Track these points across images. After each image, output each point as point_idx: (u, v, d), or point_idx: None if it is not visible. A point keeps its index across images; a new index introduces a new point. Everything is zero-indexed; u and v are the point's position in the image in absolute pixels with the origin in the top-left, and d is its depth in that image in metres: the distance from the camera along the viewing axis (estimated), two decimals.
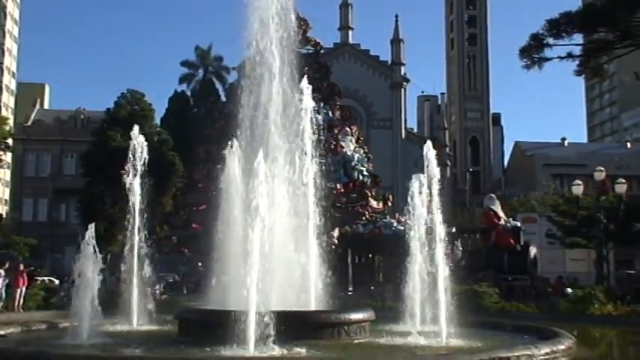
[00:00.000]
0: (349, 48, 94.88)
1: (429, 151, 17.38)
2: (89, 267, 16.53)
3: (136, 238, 20.07)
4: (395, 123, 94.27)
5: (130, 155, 20.34)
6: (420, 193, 16.61)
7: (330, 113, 51.28)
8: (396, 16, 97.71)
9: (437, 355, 12.87)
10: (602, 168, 36.40)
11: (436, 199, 16.47)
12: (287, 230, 16.82)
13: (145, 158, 20.40)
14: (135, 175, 20.18)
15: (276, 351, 12.78)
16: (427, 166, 16.87)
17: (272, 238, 15.01)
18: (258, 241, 13.79)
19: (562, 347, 13.78)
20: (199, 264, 38.05)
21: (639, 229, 42.95)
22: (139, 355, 13.15)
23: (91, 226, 16.85)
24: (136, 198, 20.12)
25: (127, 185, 20.06)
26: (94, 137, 65.16)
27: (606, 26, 34.24)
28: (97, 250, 16.63)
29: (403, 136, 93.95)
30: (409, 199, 16.86)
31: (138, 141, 20.56)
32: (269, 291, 14.44)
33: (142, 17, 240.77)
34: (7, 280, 28.37)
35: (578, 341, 14.88)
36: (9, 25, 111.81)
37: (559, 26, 33.26)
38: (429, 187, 16.59)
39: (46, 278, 40.67)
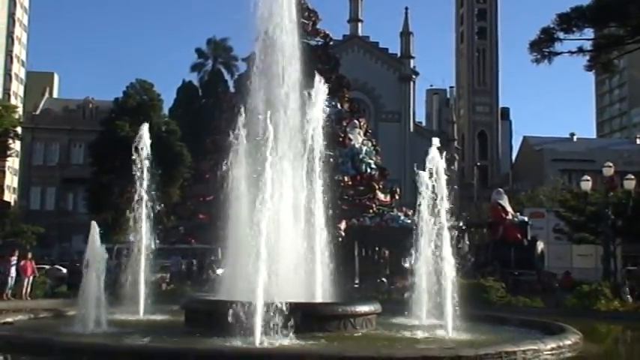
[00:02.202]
0: (358, 40, 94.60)
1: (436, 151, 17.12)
2: (96, 256, 16.63)
3: (144, 228, 20.14)
4: (403, 116, 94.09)
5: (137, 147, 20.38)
6: (428, 187, 16.55)
7: (338, 105, 51.14)
8: (406, 9, 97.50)
9: (442, 349, 12.86)
10: (611, 164, 36.19)
11: (443, 194, 16.43)
12: (294, 222, 16.82)
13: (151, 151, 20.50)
14: (142, 166, 20.23)
15: (282, 342, 12.80)
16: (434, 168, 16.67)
17: (279, 230, 15.01)
18: (265, 233, 13.79)
19: (568, 342, 13.77)
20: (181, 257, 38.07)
21: None
22: (143, 345, 13.20)
23: (95, 226, 16.98)
24: (143, 188, 20.18)
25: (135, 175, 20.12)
26: (102, 127, 65.27)
27: (617, 21, 34.08)
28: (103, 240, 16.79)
29: (411, 129, 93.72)
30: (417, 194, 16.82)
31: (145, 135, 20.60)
32: (276, 282, 14.43)
33: (151, 6, 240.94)
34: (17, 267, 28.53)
35: (584, 337, 14.85)
36: (19, 13, 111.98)
37: (570, 20, 33.12)
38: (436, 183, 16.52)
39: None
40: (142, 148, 20.16)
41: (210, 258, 37.94)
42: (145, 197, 20.14)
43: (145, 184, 20.14)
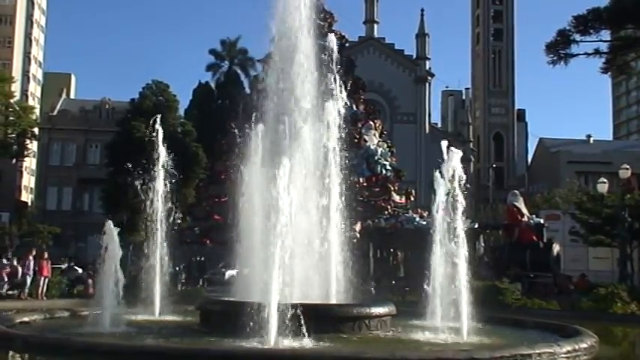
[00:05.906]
0: (374, 42, 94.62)
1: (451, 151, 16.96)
2: (112, 257, 16.71)
3: (159, 228, 20.20)
4: (419, 117, 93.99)
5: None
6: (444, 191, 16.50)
7: (354, 107, 51.15)
8: (422, 11, 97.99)
9: (458, 351, 12.82)
10: (628, 166, 36.03)
11: (458, 196, 16.37)
12: (309, 223, 16.81)
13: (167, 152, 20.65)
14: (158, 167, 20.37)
15: (297, 343, 12.80)
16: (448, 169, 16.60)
17: (294, 231, 15.01)
18: (281, 234, 13.79)
19: (584, 345, 13.69)
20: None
21: None
22: (158, 345, 13.24)
23: (111, 226, 17.00)
24: (159, 189, 20.27)
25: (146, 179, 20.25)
26: (118, 127, 65.46)
27: (634, 23, 33.91)
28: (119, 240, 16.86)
29: (427, 130, 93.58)
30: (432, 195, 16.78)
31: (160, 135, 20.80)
32: (290, 283, 14.44)
33: (167, 7, 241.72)
34: (35, 268, 28.74)
35: (600, 340, 14.77)
36: (36, 15, 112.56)
37: (586, 22, 32.99)
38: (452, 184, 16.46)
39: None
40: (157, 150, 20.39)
41: (200, 259, 38.11)
42: (161, 199, 20.25)
43: (161, 185, 20.25)
